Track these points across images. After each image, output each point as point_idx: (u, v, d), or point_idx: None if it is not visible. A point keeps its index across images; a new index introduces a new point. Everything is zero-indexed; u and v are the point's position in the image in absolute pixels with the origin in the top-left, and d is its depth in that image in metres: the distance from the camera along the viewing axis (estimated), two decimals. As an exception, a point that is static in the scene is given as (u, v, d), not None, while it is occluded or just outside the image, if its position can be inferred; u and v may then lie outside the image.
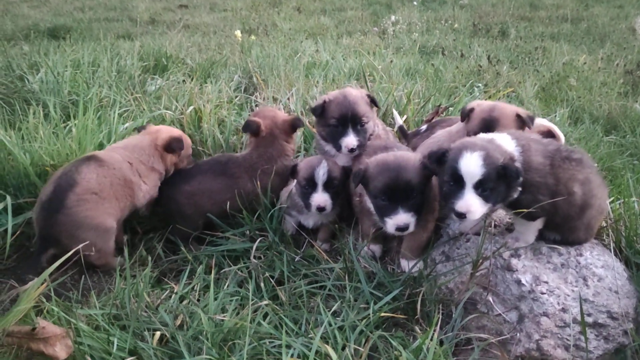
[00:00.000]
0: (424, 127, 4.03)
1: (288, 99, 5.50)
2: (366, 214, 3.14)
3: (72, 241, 2.97)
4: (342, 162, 3.52)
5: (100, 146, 3.90)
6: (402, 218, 2.76)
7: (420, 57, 9.30)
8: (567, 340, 2.53)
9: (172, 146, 3.55)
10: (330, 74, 7.22)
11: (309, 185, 3.26)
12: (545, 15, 14.80)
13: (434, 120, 4.15)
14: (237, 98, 5.75)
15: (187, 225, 3.54)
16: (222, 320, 2.62)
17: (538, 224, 2.80)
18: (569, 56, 10.03)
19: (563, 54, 10.11)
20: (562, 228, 2.83)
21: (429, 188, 2.88)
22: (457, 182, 2.50)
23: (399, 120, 4.31)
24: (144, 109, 4.85)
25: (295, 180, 3.44)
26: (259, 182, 3.52)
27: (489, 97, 6.31)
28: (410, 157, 2.93)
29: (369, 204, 2.99)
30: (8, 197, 3.24)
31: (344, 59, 8.32)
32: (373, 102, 3.60)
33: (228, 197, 3.56)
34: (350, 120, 3.41)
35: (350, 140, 3.42)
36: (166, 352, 2.46)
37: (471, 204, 2.46)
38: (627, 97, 8.04)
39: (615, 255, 2.87)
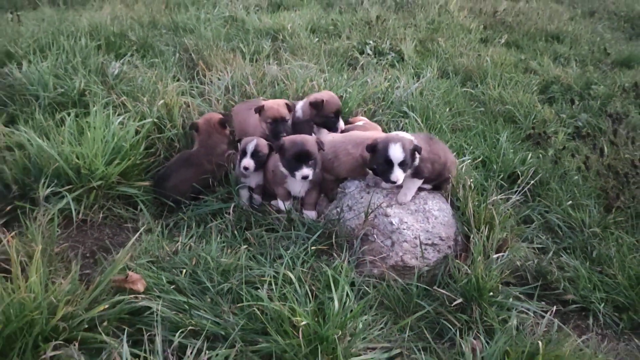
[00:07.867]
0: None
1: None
2: (280, 182, 4.95)
3: None
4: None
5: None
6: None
7: (323, 12, 10.69)
8: (417, 254, 4.52)
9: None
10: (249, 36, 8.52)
11: (242, 155, 4.98)
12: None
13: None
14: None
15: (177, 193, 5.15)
16: (220, 260, 4.32)
17: (419, 182, 4.71)
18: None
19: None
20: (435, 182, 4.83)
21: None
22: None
23: None
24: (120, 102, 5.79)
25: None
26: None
27: (378, 62, 7.99)
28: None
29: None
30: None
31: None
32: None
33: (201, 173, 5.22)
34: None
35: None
36: (191, 281, 4.16)
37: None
38: (486, 43, 10.03)
39: (447, 200, 4.90)
